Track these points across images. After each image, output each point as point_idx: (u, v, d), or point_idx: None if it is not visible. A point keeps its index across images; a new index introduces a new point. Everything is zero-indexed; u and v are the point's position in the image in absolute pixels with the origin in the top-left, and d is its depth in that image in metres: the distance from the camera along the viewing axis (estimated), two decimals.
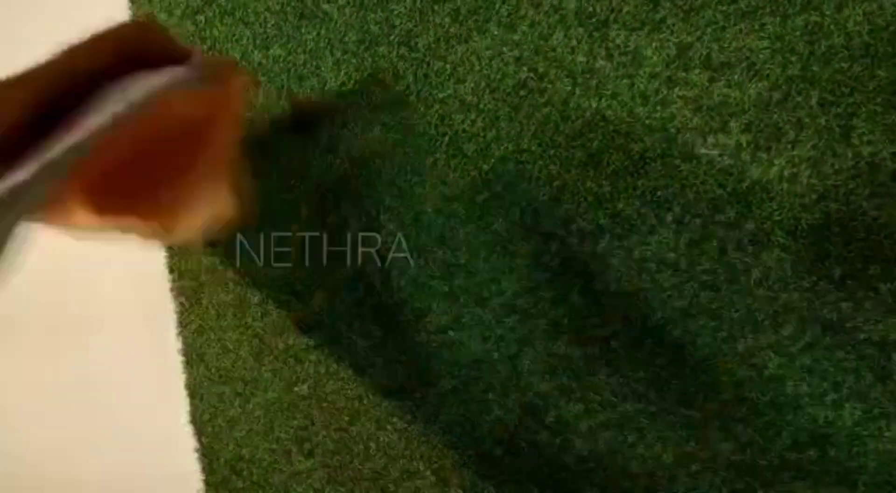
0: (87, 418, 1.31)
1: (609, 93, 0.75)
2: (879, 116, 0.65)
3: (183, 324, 1.11)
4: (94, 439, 1.30)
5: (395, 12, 0.83)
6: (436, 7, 0.82)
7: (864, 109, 0.66)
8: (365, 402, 1.00)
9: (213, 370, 1.10)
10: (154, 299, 1.11)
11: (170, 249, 1.08)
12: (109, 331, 1.23)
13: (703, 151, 0.73)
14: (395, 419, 0.98)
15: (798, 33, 0.67)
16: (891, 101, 0.65)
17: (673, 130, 0.73)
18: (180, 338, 1.11)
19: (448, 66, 0.83)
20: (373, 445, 1.01)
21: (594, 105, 0.76)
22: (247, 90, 0.89)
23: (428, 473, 0.97)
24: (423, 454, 0.97)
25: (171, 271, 1.09)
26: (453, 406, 0.86)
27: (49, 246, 1.26)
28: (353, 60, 0.88)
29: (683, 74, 0.72)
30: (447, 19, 0.82)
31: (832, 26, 0.66)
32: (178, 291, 1.09)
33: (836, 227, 0.68)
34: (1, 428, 1.39)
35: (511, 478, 0.91)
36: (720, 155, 0.72)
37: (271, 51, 0.92)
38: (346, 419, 1.02)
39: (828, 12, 0.66)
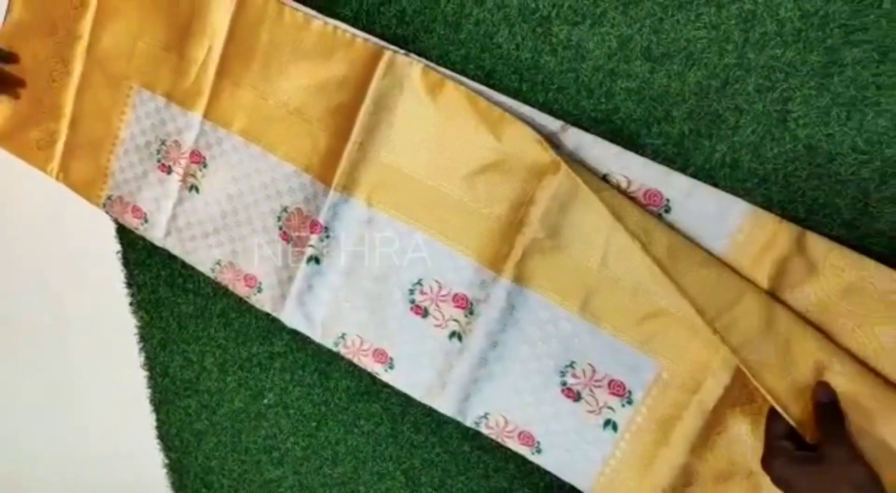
0: (54, 437, 1.28)
1: (555, 87, 0.76)
2: (813, 100, 0.67)
3: (145, 338, 1.09)
4: (61, 458, 1.28)
5: (342, 16, 0.83)
6: (382, 9, 0.82)
7: (798, 94, 0.68)
8: (331, 406, 1.00)
9: (177, 383, 1.09)
10: (114, 314, 1.09)
11: (127, 262, 1.06)
12: (71, 349, 1.22)
13: (647, 140, 0.74)
14: (362, 422, 0.98)
15: (733, 22, 0.69)
16: (823, 84, 0.67)
17: (618, 122, 0.75)
18: (143, 353, 1.10)
19: None
20: (341, 449, 1.01)
21: (541, 100, 0.77)
22: None
23: (398, 473, 0.98)
24: (392, 455, 0.97)
25: (130, 285, 1.07)
26: (419, 405, 0.86)
27: (6, 264, 1.24)
28: None
29: (625, 66, 0.73)
30: (393, 20, 0.82)
31: (765, 14, 0.67)
32: (138, 305, 1.08)
33: (778, 209, 0.70)
34: None
35: (480, 473, 0.92)
36: (664, 144, 0.73)
37: None
38: (314, 424, 1.02)
39: (760, 0, 0.67)
